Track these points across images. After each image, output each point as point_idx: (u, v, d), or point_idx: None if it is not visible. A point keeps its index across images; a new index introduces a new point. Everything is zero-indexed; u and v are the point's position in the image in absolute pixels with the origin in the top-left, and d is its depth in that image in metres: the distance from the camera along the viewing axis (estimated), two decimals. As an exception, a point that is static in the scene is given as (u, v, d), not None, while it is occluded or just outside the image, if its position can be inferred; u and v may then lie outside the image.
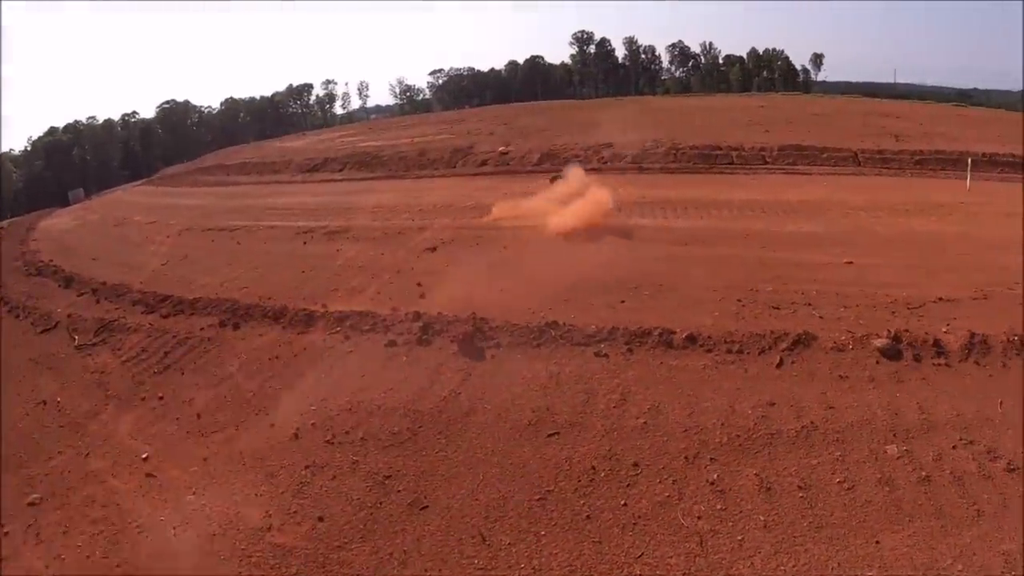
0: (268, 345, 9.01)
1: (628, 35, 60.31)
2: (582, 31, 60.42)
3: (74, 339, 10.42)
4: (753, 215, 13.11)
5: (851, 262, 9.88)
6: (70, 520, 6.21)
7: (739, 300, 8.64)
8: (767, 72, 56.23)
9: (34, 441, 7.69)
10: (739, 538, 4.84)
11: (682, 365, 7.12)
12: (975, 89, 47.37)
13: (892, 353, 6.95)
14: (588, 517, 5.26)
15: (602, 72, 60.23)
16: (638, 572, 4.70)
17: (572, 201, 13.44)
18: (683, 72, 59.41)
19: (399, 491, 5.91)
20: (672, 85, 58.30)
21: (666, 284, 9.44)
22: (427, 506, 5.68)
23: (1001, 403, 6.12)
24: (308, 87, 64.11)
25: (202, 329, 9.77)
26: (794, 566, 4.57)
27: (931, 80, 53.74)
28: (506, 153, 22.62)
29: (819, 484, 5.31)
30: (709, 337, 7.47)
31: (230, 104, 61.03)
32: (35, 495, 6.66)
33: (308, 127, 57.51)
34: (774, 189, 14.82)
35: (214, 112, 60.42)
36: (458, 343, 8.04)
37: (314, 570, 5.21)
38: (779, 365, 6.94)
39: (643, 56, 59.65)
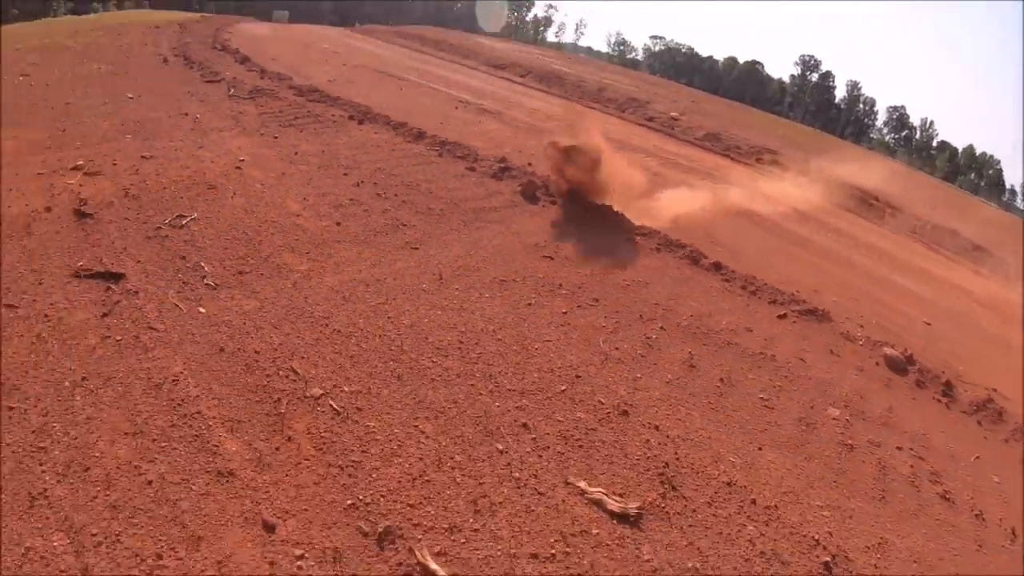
0: (378, 140, 10.18)
1: (853, 79, 56.77)
2: (810, 56, 57.64)
3: (230, 91, 12.03)
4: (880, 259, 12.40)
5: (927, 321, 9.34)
6: (164, 167, 7.40)
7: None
8: (975, 175, 50.89)
9: (165, 130, 8.99)
10: (638, 376, 5.15)
11: (697, 277, 7.35)
12: None
13: (897, 366, 6.74)
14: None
15: (815, 103, 57.01)
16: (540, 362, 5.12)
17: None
18: (893, 138, 55.08)
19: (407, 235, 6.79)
20: (878, 145, 54.24)
21: (729, 241, 9.33)
22: (418, 248, 6.51)
23: (977, 457, 5.78)
24: (530, 3, 65.58)
25: (333, 115, 11.13)
26: (669, 416, 4.83)
27: None
28: (676, 119, 22.52)
29: (742, 387, 5.42)
30: (734, 271, 7.57)
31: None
32: (149, 155, 7.85)
33: (517, 39, 59.19)
34: (907, 251, 13.96)
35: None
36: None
37: (313, 246, 6.12)
38: (782, 317, 6.94)
39: (861, 106, 55.86)
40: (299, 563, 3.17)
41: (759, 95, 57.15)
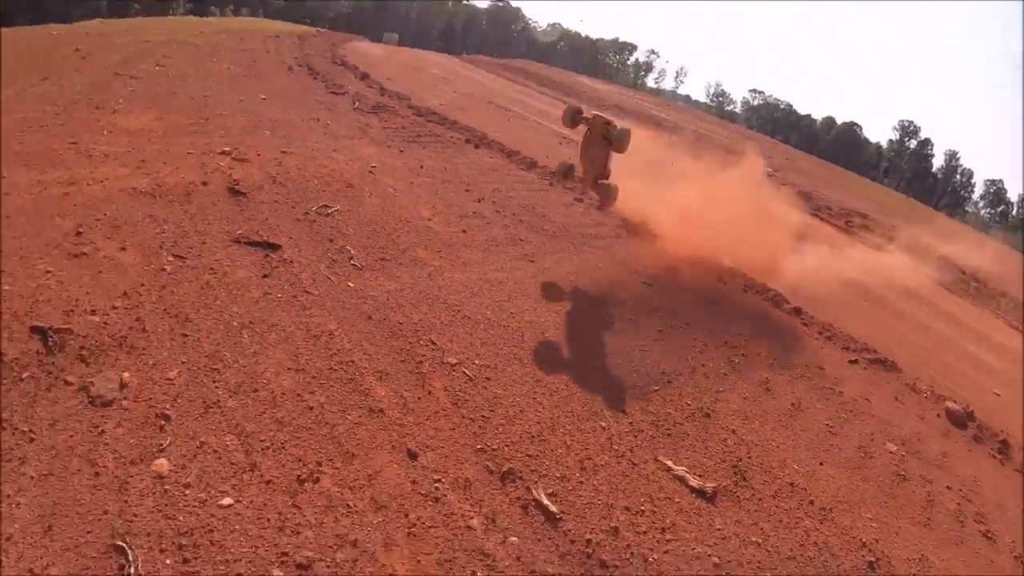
0: (493, 164, 11.31)
1: (952, 149, 55.17)
2: (910, 122, 56.13)
3: (355, 104, 13.34)
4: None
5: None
6: (305, 163, 8.49)
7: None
8: (1071, 253, 48.29)
9: (299, 131, 10.17)
10: (720, 389, 5.96)
11: (778, 318, 8.08)
12: None
13: (958, 420, 7.17)
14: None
15: (911, 171, 55.71)
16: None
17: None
18: (988, 212, 53.07)
19: (524, 248, 7.84)
20: (972, 219, 52.40)
21: (811, 294, 9.84)
22: (534, 261, 7.53)
23: (1026, 510, 6.16)
24: (632, 47, 66.70)
25: (451, 137, 12.34)
26: (745, 425, 5.59)
27: None
28: (770, 175, 22.86)
29: (810, 413, 6.07)
30: (813, 317, 8.21)
31: (555, 28, 65.42)
32: (289, 151, 8.93)
33: (618, 82, 60.57)
34: (989, 327, 13.99)
35: (538, 29, 65.32)
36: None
37: (443, 247, 7.17)
38: (853, 362, 7.52)
39: (959, 177, 54.11)
40: (436, 485, 4.04)
41: (855, 158, 56.31)
